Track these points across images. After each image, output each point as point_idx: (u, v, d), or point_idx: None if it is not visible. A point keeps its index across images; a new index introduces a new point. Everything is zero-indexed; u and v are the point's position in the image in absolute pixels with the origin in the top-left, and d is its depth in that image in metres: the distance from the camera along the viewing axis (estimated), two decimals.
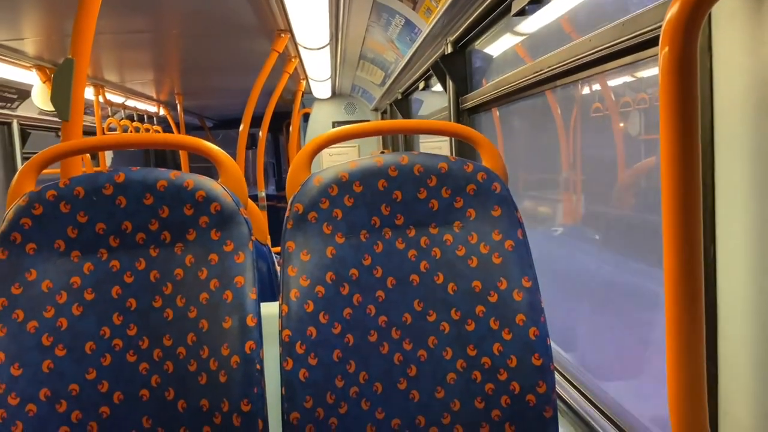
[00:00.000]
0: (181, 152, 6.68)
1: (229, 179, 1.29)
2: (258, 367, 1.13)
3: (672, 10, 0.71)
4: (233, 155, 3.73)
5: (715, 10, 0.81)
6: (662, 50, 0.72)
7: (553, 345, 1.22)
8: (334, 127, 6.72)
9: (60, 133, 5.21)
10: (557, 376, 1.75)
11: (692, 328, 0.74)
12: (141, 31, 3.21)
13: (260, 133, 4.55)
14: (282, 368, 1.15)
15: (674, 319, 0.73)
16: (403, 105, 4.95)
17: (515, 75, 1.88)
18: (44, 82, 3.79)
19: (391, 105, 5.46)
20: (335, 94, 6.68)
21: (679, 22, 0.71)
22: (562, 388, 1.71)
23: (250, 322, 1.15)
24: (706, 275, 0.84)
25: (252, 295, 1.17)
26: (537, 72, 1.66)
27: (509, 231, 1.23)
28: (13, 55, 3.38)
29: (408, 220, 1.27)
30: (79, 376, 1.16)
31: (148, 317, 1.20)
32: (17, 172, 1.25)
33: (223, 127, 9.39)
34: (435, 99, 3.98)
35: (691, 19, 0.70)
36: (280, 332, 1.16)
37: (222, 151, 1.33)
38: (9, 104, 4.27)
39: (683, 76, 0.71)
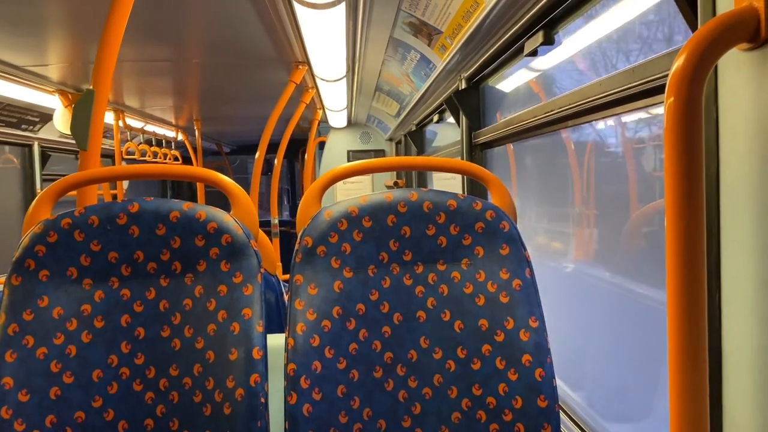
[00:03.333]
0: None
1: (240, 211, 1.31)
2: (262, 400, 1.13)
3: (678, 62, 0.72)
4: (248, 180, 3.76)
5: (721, 62, 0.82)
6: (668, 100, 0.73)
7: (559, 384, 1.21)
8: (349, 155, 6.77)
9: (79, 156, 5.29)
10: (562, 416, 1.73)
11: (696, 378, 0.73)
12: (163, 59, 3.28)
13: (276, 161, 4.60)
14: (286, 402, 1.15)
15: (678, 369, 0.73)
16: (417, 136, 4.99)
17: (527, 114, 1.90)
18: (66, 107, 3.87)
19: (405, 136, 5.50)
20: (351, 124, 6.74)
21: (685, 74, 0.72)
22: (568, 429, 1.69)
23: (256, 354, 1.15)
24: (711, 323, 0.84)
25: (259, 327, 1.18)
26: (549, 112, 1.68)
27: (517, 270, 1.24)
28: (37, 80, 3.46)
29: (416, 256, 1.28)
30: (85, 404, 1.17)
31: (155, 347, 1.21)
32: (34, 200, 1.28)
33: (239, 152, 9.49)
34: (449, 130, 4.01)
35: (697, 71, 0.71)
36: (286, 366, 1.16)
37: (235, 183, 1.35)
38: (31, 127, 4.36)
39: (688, 126, 0.72)
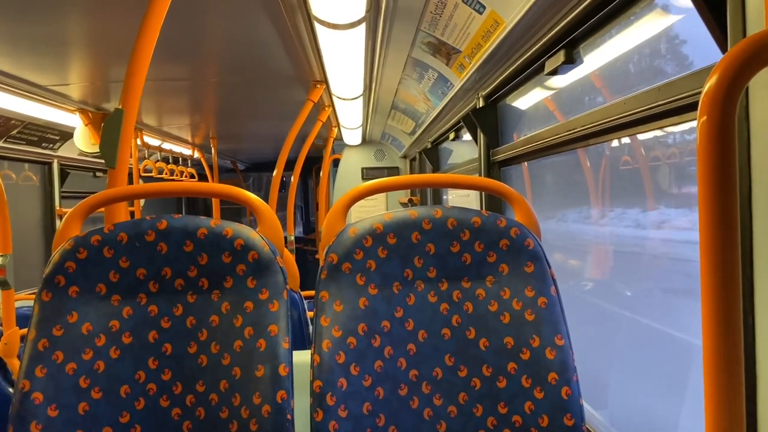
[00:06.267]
0: None
1: (266, 228, 1.32)
2: (289, 417, 1.14)
3: (711, 81, 0.72)
4: (265, 198, 3.80)
5: (753, 82, 0.82)
6: (700, 119, 0.73)
7: (585, 405, 1.20)
8: (363, 173, 6.79)
9: (97, 174, 5.35)
10: None
11: (731, 399, 0.73)
12: (182, 78, 3.32)
13: (292, 178, 4.63)
14: (312, 419, 1.15)
15: (713, 390, 0.73)
16: (432, 153, 5.00)
17: (547, 132, 1.90)
18: (86, 125, 3.92)
19: (420, 153, 5.51)
20: (365, 141, 6.78)
21: (717, 93, 0.72)
22: None
23: (282, 371, 1.16)
24: (746, 343, 0.84)
25: (285, 344, 1.18)
26: (570, 130, 1.68)
27: (542, 287, 1.23)
28: (59, 99, 3.51)
29: (440, 273, 1.28)
30: (113, 419, 1.18)
31: (182, 363, 1.22)
32: (65, 217, 1.30)
33: (254, 170, 9.55)
34: (464, 148, 4.02)
35: (729, 90, 0.72)
36: (311, 382, 1.17)
37: (261, 200, 1.36)
38: (51, 145, 4.42)
39: (721, 145, 0.72)
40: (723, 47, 0.92)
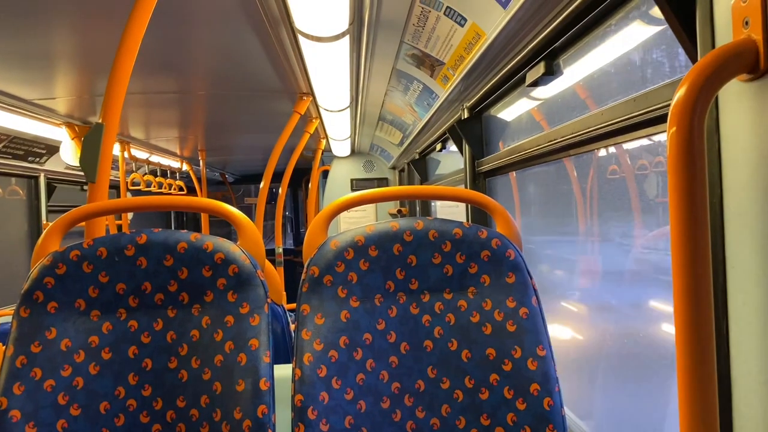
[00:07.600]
0: None
1: (247, 241, 1.32)
2: (270, 431, 1.13)
3: (679, 93, 0.73)
4: (252, 209, 3.77)
5: (722, 92, 0.83)
6: (670, 130, 0.74)
7: (568, 413, 1.20)
8: (352, 184, 6.80)
9: (85, 188, 5.34)
10: None
11: (705, 405, 0.73)
12: (169, 91, 3.32)
13: (280, 190, 4.63)
14: None
15: (687, 397, 0.73)
16: (420, 164, 5.02)
17: (530, 142, 1.91)
18: (73, 139, 3.91)
19: (408, 164, 5.53)
20: (354, 153, 6.79)
21: (686, 104, 0.73)
22: None
23: (263, 385, 1.15)
24: (719, 351, 0.84)
25: (266, 358, 1.18)
26: (551, 141, 1.69)
27: (523, 298, 1.24)
28: (45, 113, 3.50)
29: (422, 284, 1.28)
30: None
31: (162, 378, 1.21)
32: (44, 232, 1.29)
33: (243, 182, 9.55)
34: (452, 158, 4.04)
35: (698, 101, 0.73)
36: (293, 397, 1.16)
37: (242, 213, 1.36)
38: (38, 159, 4.40)
39: (691, 155, 0.73)
40: (693, 59, 0.93)
